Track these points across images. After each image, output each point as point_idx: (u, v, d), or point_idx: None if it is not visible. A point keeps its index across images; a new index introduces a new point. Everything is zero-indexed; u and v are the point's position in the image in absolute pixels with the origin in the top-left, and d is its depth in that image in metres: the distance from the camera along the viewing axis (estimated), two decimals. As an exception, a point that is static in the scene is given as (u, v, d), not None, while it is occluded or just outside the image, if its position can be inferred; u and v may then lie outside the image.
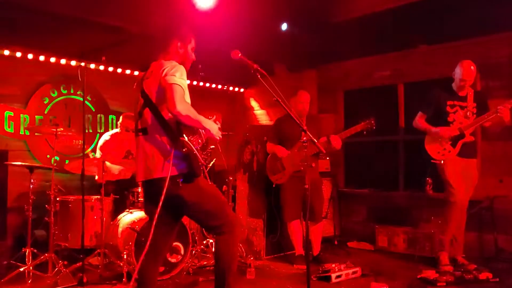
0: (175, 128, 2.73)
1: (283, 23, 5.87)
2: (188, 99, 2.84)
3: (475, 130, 4.39)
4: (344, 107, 6.58)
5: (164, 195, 2.68)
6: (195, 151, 2.72)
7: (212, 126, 2.87)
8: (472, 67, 4.29)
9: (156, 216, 2.72)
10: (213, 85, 7.18)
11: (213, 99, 7.10)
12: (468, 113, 4.36)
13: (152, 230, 2.76)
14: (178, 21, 3.02)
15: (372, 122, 4.57)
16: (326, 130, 5.04)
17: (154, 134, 2.79)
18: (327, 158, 5.78)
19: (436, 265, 4.37)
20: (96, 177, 4.83)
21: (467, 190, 4.42)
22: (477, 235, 5.05)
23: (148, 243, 2.77)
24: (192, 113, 2.71)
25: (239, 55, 2.96)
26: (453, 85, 4.45)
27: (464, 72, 4.29)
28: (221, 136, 2.97)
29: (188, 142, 2.70)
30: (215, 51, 4.66)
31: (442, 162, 4.39)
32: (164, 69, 2.74)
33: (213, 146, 4.80)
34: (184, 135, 2.71)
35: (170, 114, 2.71)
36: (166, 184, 2.67)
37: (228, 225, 2.88)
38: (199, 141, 2.90)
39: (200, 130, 2.91)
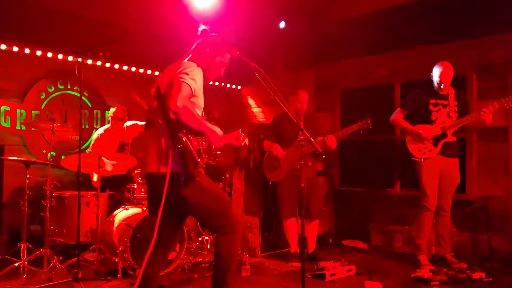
0: (176, 124, 2.68)
1: (281, 21, 5.88)
2: (200, 103, 2.85)
3: (458, 130, 4.44)
4: (341, 106, 6.58)
5: (166, 193, 2.64)
6: (192, 150, 2.65)
7: (214, 131, 2.79)
8: (449, 69, 4.35)
9: (160, 213, 2.67)
10: (210, 82, 7.16)
11: (210, 96, 7.07)
12: (450, 113, 4.42)
13: (157, 228, 2.71)
14: (220, 35, 3.02)
15: (369, 121, 4.59)
16: (323, 129, 5.05)
17: (160, 128, 2.78)
18: (323, 157, 5.79)
19: (418, 265, 4.41)
20: (95, 179, 4.69)
21: (448, 190, 4.46)
22: (471, 235, 5.08)
23: (153, 241, 2.73)
24: (192, 113, 2.65)
25: (237, 53, 2.97)
26: (434, 85, 4.49)
27: (441, 74, 4.35)
28: (221, 144, 2.86)
29: (185, 139, 2.63)
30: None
31: (422, 160, 4.43)
32: (181, 67, 2.75)
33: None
34: (184, 132, 2.66)
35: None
36: (167, 180, 2.64)
37: (229, 226, 2.85)
38: (203, 142, 2.81)
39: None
